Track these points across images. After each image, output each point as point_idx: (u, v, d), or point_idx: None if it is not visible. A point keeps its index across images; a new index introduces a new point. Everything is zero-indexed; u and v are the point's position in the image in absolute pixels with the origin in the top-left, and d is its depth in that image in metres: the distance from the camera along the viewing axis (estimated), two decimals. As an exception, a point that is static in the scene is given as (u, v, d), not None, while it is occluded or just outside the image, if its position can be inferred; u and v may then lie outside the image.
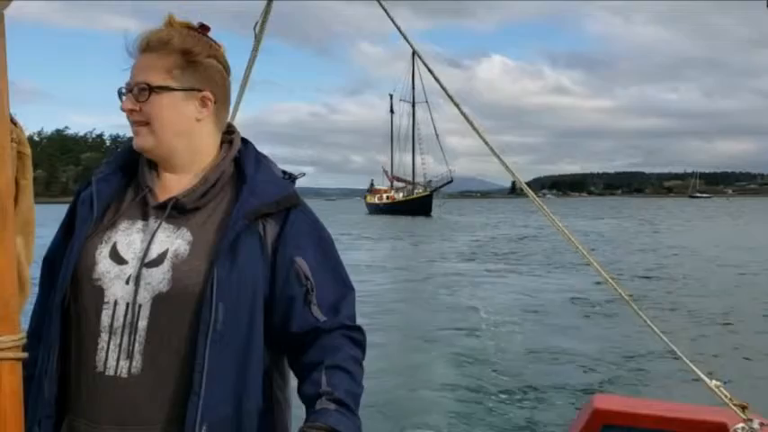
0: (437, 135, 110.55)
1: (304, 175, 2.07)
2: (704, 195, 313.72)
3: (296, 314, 1.88)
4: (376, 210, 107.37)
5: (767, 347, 13.63)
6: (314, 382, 1.80)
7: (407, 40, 3.37)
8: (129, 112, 1.92)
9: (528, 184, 3.62)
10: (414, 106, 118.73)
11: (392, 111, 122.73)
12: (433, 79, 3.32)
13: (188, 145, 1.96)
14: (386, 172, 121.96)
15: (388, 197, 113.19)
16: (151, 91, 1.89)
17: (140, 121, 1.92)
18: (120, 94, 1.95)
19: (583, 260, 3.58)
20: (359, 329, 1.94)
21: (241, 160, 2.00)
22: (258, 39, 3.26)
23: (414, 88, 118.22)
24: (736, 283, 23.65)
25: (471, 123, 3.42)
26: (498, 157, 3.41)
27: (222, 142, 2.03)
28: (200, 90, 1.94)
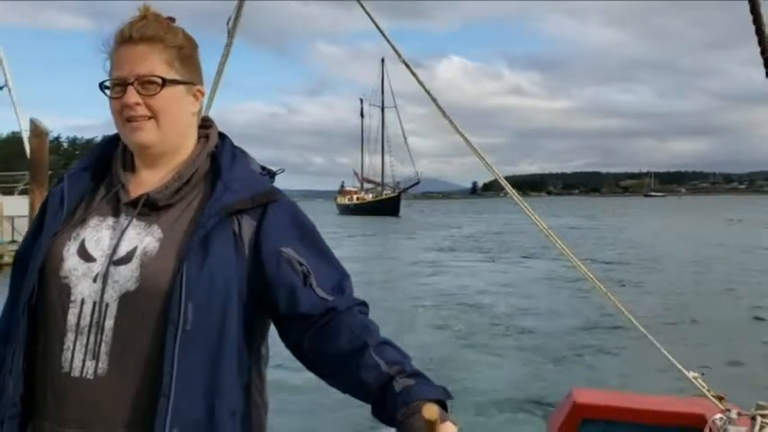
0: (405, 138, 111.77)
1: (283, 171, 1.96)
2: (658, 194, 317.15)
3: (302, 297, 1.76)
4: (346, 210, 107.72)
5: (732, 333, 13.89)
6: (371, 367, 1.67)
7: (391, 44, 3.29)
8: (133, 107, 1.77)
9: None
10: (383, 111, 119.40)
11: (362, 115, 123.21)
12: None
13: (181, 140, 1.86)
14: (356, 174, 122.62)
15: (358, 198, 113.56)
16: (164, 84, 1.78)
17: (143, 115, 1.78)
18: (102, 87, 1.83)
19: (561, 254, 3.53)
20: (366, 304, 1.84)
21: (217, 155, 1.89)
22: (231, 35, 3.17)
23: (383, 93, 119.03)
24: (690, 272, 24.34)
25: (456, 127, 3.35)
26: (482, 158, 3.34)
27: (199, 137, 1.93)
28: (194, 84, 1.87)
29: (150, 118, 1.79)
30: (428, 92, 3.37)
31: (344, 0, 3.11)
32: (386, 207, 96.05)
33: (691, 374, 3.43)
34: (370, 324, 1.77)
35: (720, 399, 3.41)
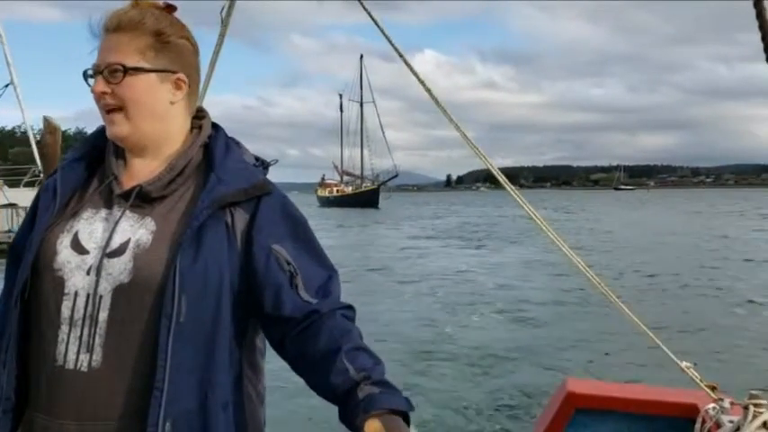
0: (384, 133, 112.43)
1: (277, 161, 1.90)
2: (628, 188, 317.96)
3: (286, 299, 1.72)
4: (327, 202, 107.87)
5: (711, 320, 14.09)
6: (340, 372, 1.63)
7: (389, 40, 3.20)
8: (101, 95, 1.73)
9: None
10: (362, 106, 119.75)
11: (341, 109, 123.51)
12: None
13: (161, 130, 1.79)
14: (336, 167, 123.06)
15: (338, 191, 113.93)
16: (126, 72, 1.71)
17: (113, 105, 1.73)
18: (86, 76, 1.77)
19: (553, 244, 3.47)
20: (352, 308, 1.79)
21: (210, 146, 1.82)
22: (225, 24, 3.09)
23: (362, 88, 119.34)
24: (662, 260, 24.60)
25: (454, 122, 3.26)
26: (478, 152, 3.25)
27: (192, 127, 1.86)
28: (173, 72, 1.78)
29: (120, 108, 1.74)
30: (422, 82, 3.28)
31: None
32: (366, 199, 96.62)
33: (683, 364, 3.39)
34: (351, 328, 1.73)
35: (713, 388, 3.37)
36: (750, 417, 3.14)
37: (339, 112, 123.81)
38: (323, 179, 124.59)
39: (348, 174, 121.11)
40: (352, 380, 1.61)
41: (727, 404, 3.26)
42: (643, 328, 3.43)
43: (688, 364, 3.39)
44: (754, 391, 3.22)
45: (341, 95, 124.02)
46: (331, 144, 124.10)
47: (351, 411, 1.59)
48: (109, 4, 1.81)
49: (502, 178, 3.37)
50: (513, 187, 3.43)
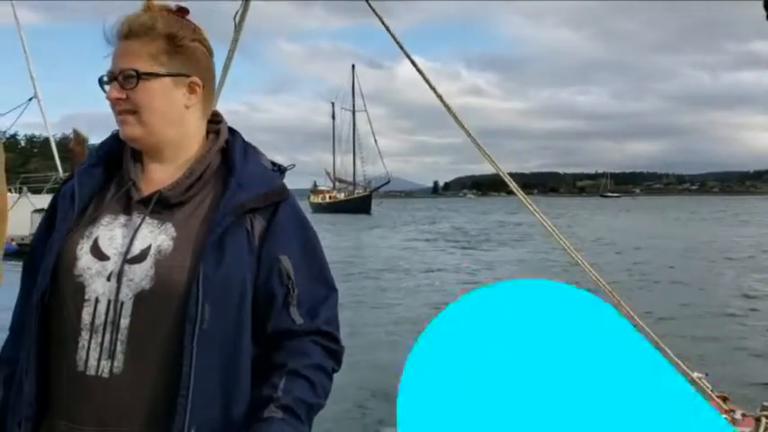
0: (376, 140, 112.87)
1: (294, 166, 1.89)
2: (614, 195, 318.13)
3: (274, 313, 1.72)
4: (319, 209, 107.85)
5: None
6: (270, 386, 1.66)
7: (400, 45, 3.13)
8: (116, 101, 1.72)
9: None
10: (354, 115, 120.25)
11: (334, 117, 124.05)
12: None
13: (177, 134, 1.77)
14: (328, 173, 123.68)
15: (330, 197, 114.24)
16: (139, 78, 1.70)
17: (127, 110, 1.72)
18: (101, 82, 1.76)
19: (558, 248, 3.39)
20: (334, 339, 1.78)
21: (228, 151, 1.81)
22: (238, 29, 3.04)
23: (354, 97, 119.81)
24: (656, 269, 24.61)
25: (468, 131, 3.18)
26: (491, 159, 3.17)
27: (208, 132, 1.84)
28: (187, 75, 1.76)
29: (134, 112, 1.73)
30: (433, 88, 3.20)
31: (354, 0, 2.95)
32: (358, 205, 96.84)
33: (695, 375, 3.31)
34: (311, 354, 1.72)
35: (725, 399, 3.29)
36: (762, 429, 3.09)
37: (331, 120, 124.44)
38: (315, 186, 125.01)
39: (340, 180, 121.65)
40: (270, 396, 1.63)
41: (738, 416, 3.19)
42: (653, 337, 3.34)
43: (699, 375, 3.31)
44: (766, 403, 3.16)
45: (333, 104, 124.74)
46: (319, 150, 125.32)
47: (255, 425, 1.62)
48: (89, 4, 1.74)
49: (513, 185, 3.31)
50: (513, 193, 3.39)
